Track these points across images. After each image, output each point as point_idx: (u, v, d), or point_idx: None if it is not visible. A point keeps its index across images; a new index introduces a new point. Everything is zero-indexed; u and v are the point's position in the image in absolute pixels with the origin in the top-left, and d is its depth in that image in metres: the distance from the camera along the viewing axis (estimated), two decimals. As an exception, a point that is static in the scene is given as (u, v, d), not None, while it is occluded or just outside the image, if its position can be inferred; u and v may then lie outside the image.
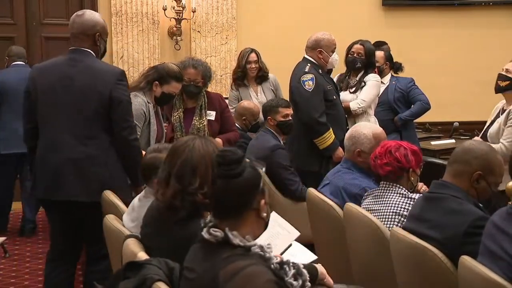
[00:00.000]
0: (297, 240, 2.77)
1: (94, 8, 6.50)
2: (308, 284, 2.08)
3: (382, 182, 3.13)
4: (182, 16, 6.62)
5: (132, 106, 3.45)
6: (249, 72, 5.44)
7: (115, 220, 2.86)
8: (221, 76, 6.88)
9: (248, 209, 2.00)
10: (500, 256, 2.23)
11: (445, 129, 6.13)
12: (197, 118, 4.48)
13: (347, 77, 5.12)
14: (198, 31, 6.84)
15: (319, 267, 2.43)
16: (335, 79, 5.04)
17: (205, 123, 4.47)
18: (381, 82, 5.31)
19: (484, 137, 4.14)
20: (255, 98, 5.45)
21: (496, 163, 2.64)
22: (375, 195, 3.14)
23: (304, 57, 4.78)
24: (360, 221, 2.97)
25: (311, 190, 3.51)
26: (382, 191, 3.11)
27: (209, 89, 4.73)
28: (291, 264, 2.05)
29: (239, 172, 1.96)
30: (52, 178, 3.29)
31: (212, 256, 1.97)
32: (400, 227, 2.81)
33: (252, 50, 5.46)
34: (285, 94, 4.84)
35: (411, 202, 2.96)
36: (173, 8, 6.57)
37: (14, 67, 5.57)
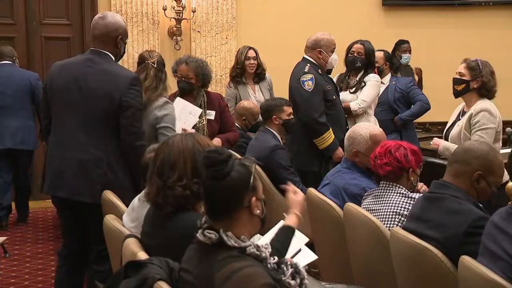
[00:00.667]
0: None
1: (94, 8, 6.51)
2: (306, 282, 2.07)
3: (382, 182, 3.13)
4: (182, 16, 6.62)
5: (171, 114, 3.65)
6: (247, 68, 5.45)
7: (115, 220, 2.86)
8: (221, 76, 6.87)
9: (239, 208, 1.98)
10: (500, 256, 2.23)
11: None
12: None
13: (347, 77, 5.12)
14: (198, 31, 6.84)
15: (290, 222, 2.47)
16: (335, 79, 5.04)
17: (204, 122, 4.46)
18: (381, 82, 5.31)
19: (446, 139, 4.11)
20: (253, 96, 5.45)
21: (496, 163, 2.65)
22: (375, 195, 3.14)
23: (303, 57, 4.77)
24: (360, 221, 2.96)
25: (311, 190, 3.51)
26: (382, 191, 3.11)
27: (209, 89, 4.72)
28: (288, 263, 2.05)
29: (227, 172, 1.95)
30: (57, 175, 3.34)
31: (208, 258, 1.96)
32: (400, 227, 2.81)
33: (251, 47, 5.48)
34: (284, 94, 4.83)
35: (411, 202, 2.96)
36: (173, 8, 6.56)
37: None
